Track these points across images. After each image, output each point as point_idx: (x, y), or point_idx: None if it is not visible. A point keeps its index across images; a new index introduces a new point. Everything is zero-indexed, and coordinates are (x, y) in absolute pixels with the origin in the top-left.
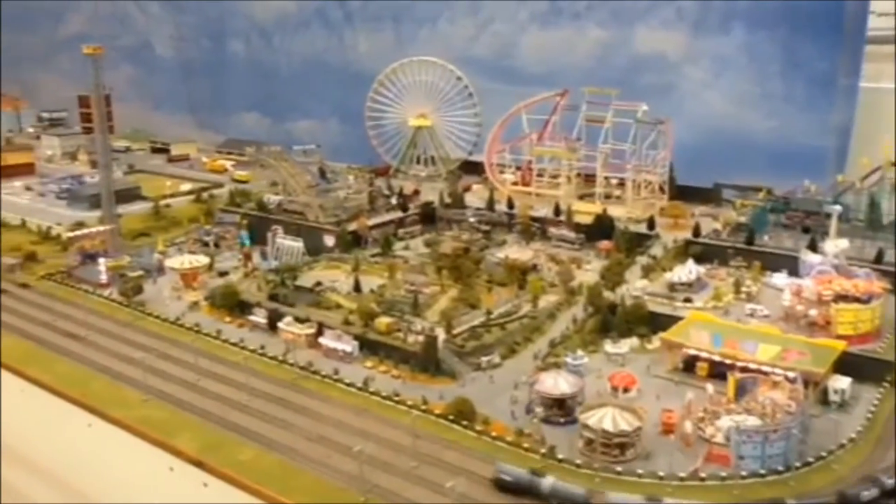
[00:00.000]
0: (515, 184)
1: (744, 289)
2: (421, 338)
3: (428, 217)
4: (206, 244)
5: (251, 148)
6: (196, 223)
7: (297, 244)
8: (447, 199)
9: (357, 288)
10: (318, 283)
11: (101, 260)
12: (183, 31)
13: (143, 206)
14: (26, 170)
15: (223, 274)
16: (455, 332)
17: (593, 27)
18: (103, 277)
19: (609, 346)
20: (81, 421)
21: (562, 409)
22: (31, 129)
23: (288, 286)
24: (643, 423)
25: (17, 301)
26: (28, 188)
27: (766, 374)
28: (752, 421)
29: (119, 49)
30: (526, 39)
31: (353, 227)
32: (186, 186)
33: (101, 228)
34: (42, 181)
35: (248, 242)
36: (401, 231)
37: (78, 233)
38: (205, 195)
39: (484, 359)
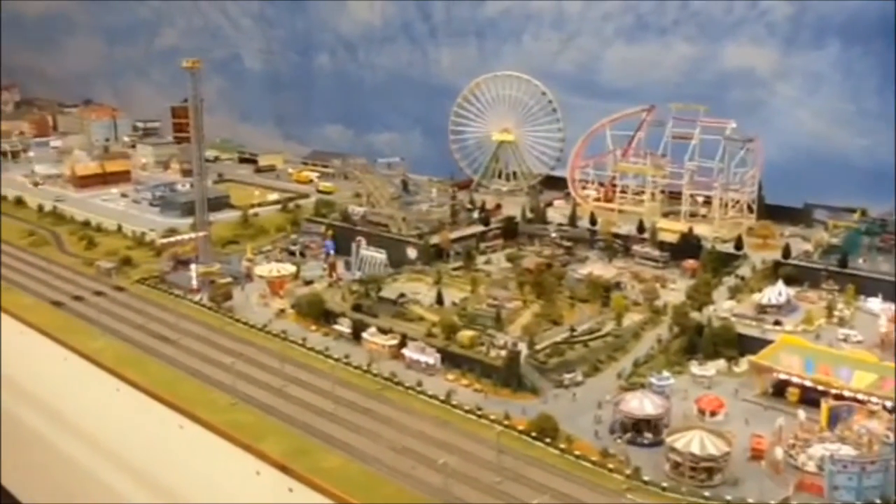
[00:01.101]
0: (598, 200)
1: (836, 313)
2: (503, 352)
3: (509, 231)
4: (292, 253)
5: (337, 160)
6: (283, 232)
7: (381, 255)
8: (529, 214)
9: (440, 301)
10: (402, 295)
11: (193, 266)
12: (272, 45)
13: (232, 215)
14: (123, 177)
15: (308, 283)
16: (538, 347)
17: (680, 42)
18: (194, 283)
19: (695, 368)
20: (173, 422)
21: (647, 430)
22: (126, 138)
23: (372, 297)
24: (732, 448)
25: (112, 303)
26: (124, 195)
27: (861, 402)
28: (848, 450)
29: (210, 62)
30: (611, 54)
31: (435, 240)
32: (273, 196)
33: (194, 235)
34: (137, 188)
35: (332, 252)
36: (482, 245)
37: (171, 239)
38: (291, 205)
39: (567, 376)
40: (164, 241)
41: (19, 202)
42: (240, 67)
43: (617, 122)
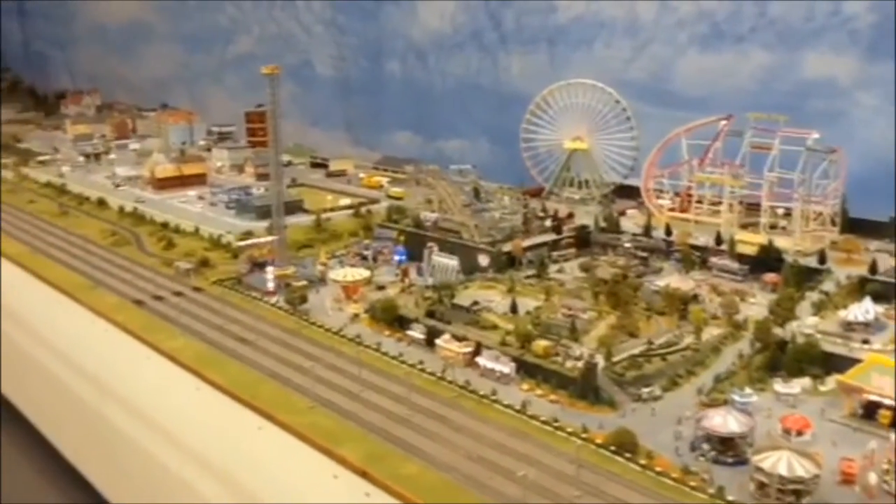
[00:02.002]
0: (673, 210)
1: None
2: (579, 363)
3: (582, 241)
4: (364, 258)
5: (410, 166)
6: (355, 237)
7: (453, 262)
8: (602, 224)
9: (514, 309)
10: (476, 303)
11: (269, 269)
12: (343, 52)
13: (306, 219)
14: (199, 180)
15: (381, 288)
16: (615, 360)
17: (757, 50)
18: (270, 285)
19: (779, 386)
20: (252, 423)
21: (730, 448)
22: (202, 142)
23: (445, 304)
24: (821, 471)
25: (191, 304)
26: (200, 197)
27: None
28: None
29: (282, 68)
30: (684, 63)
31: (507, 247)
32: (345, 201)
33: (270, 238)
34: (213, 191)
35: (404, 258)
36: (554, 254)
37: (248, 242)
38: (362, 210)
39: (645, 390)
40: (242, 243)
41: (101, 203)
42: (311, 73)
43: (693, 131)
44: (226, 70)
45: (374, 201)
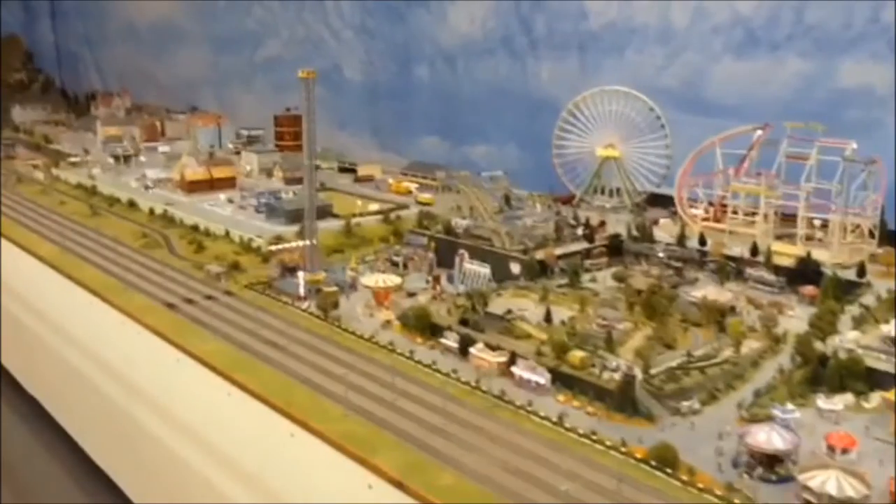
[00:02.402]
0: (707, 220)
1: None
2: (616, 375)
3: (615, 249)
4: (395, 264)
5: (441, 172)
6: (385, 243)
7: (484, 270)
8: (635, 232)
9: (548, 318)
10: (509, 311)
11: (300, 273)
12: (372, 56)
13: (335, 224)
14: (229, 183)
15: (412, 294)
16: (652, 372)
17: (793, 58)
18: (301, 290)
19: (821, 402)
20: (284, 429)
21: (774, 465)
22: (230, 145)
23: (478, 312)
24: (870, 491)
25: (223, 307)
26: (230, 201)
27: None
28: None
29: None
30: (718, 70)
31: (539, 255)
32: (374, 206)
33: (302, 243)
34: (243, 195)
35: (434, 264)
36: (587, 262)
37: (280, 246)
38: (392, 216)
39: (684, 403)
40: (273, 248)
41: (132, 205)
42: (339, 78)
43: (728, 139)
44: (254, 73)
45: (404, 207)
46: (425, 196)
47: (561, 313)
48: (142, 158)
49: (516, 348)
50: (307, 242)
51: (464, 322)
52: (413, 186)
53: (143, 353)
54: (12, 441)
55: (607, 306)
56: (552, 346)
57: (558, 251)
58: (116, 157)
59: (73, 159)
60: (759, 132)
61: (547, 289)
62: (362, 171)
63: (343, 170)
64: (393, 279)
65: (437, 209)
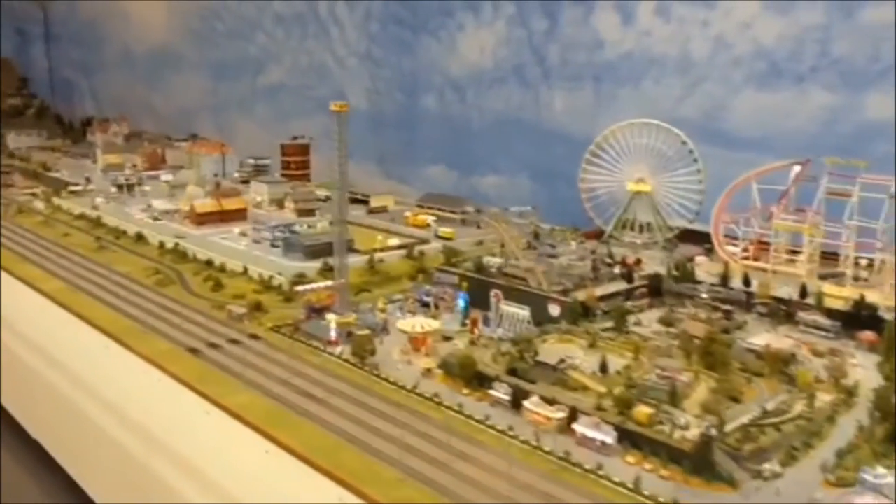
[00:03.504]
0: (745, 258)
1: None
2: (688, 433)
3: (654, 290)
4: (425, 304)
5: (469, 206)
6: (412, 280)
7: (523, 312)
8: (674, 272)
9: (603, 369)
10: (562, 360)
11: (331, 317)
12: (377, 84)
13: (356, 260)
14: (239, 215)
15: (448, 338)
16: (726, 429)
17: (818, 91)
18: (333, 334)
19: None
20: (332, 493)
21: None
22: (235, 174)
23: (527, 360)
24: None
25: (250, 353)
26: (243, 234)
27: None
28: None
29: (314, 99)
30: (740, 102)
31: (581, 296)
32: (394, 241)
33: (331, 283)
34: (256, 227)
35: (466, 305)
36: (628, 303)
37: (309, 287)
38: (414, 251)
39: (765, 466)
40: (300, 288)
41: (140, 237)
42: None
43: (763, 174)
44: (255, 100)
45: (424, 241)
46: (446, 230)
47: (612, 361)
48: (146, 188)
49: (574, 402)
50: (337, 282)
51: (512, 371)
52: (430, 219)
53: (166, 403)
54: (16, 493)
55: (662, 354)
56: (615, 400)
57: (598, 292)
58: (119, 186)
59: (73, 188)
60: (798, 168)
61: (594, 334)
62: (375, 202)
63: (354, 200)
64: (431, 323)
65: (458, 244)
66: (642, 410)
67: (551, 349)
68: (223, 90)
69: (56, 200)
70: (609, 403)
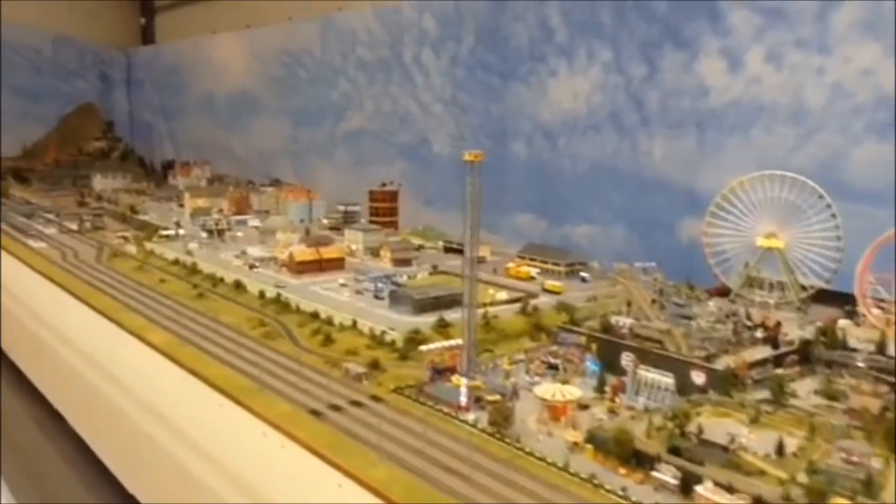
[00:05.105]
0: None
1: None
2: None
3: (804, 357)
4: (552, 367)
5: (593, 263)
6: (530, 339)
7: (667, 380)
8: (821, 336)
9: (780, 450)
10: (732, 440)
11: (461, 380)
12: (463, 130)
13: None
14: (337, 264)
15: (584, 407)
16: None
17: None
18: (463, 400)
19: None
20: None
21: None
22: (324, 221)
23: (688, 437)
24: None
25: (374, 416)
26: (343, 284)
27: None
28: None
29: (396, 145)
30: (859, 152)
31: (725, 363)
32: (502, 294)
33: (458, 342)
34: (357, 278)
35: (596, 370)
36: (777, 371)
37: (433, 346)
38: (527, 306)
39: None
40: (426, 347)
41: (238, 286)
42: (427, 152)
43: None
44: (335, 146)
45: (533, 295)
46: (553, 283)
47: (770, 437)
48: (238, 233)
49: (753, 489)
50: (465, 341)
51: (674, 450)
52: (534, 271)
53: (292, 473)
54: None
55: (838, 433)
56: (808, 491)
57: (747, 358)
58: (210, 232)
59: (164, 232)
60: None
61: (755, 408)
62: None
63: (448, 249)
64: (572, 391)
65: (568, 298)
66: (839, 503)
67: (711, 424)
68: (303, 135)
69: (148, 245)
70: (799, 492)
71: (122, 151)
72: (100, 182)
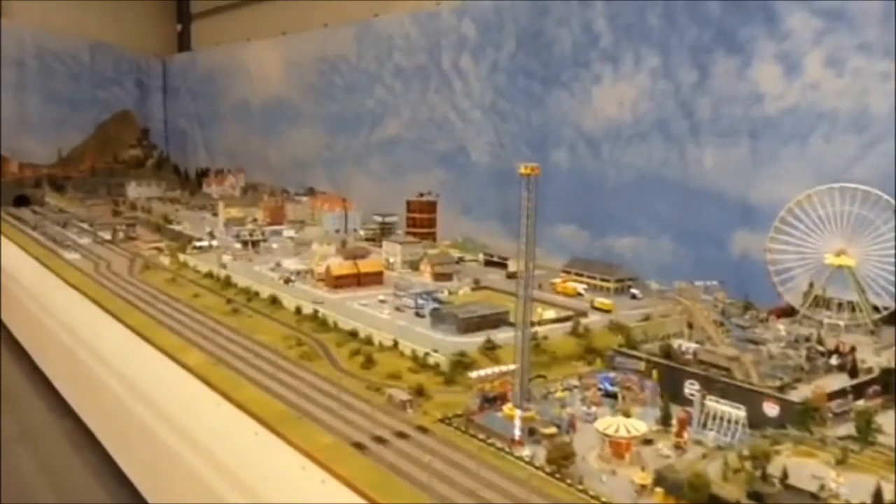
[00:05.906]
0: None
1: None
2: None
3: (884, 386)
4: (609, 395)
5: (654, 284)
6: (583, 362)
7: (739, 412)
8: None
9: (878, 499)
10: (822, 487)
11: (514, 411)
12: (502, 139)
13: (512, 335)
14: (375, 279)
15: (648, 441)
16: None
17: None
18: (518, 433)
19: None
20: None
21: None
22: (360, 232)
23: (771, 482)
24: None
25: (421, 450)
26: (382, 300)
27: None
28: None
29: (433, 153)
30: None
31: (801, 394)
32: (549, 313)
33: (510, 367)
34: (397, 293)
35: (658, 397)
36: (859, 404)
37: (483, 373)
38: (576, 325)
39: None
40: (476, 374)
41: (274, 301)
42: (465, 160)
43: None
44: (371, 154)
45: (582, 314)
46: (603, 301)
47: (869, 483)
48: (273, 245)
49: None
50: (518, 367)
51: (755, 496)
52: (580, 287)
53: None
54: None
55: None
56: None
57: (826, 388)
58: (244, 243)
59: (198, 243)
60: None
61: (841, 447)
62: (514, 265)
63: (489, 262)
64: (637, 425)
65: (619, 317)
66: None
67: (792, 465)
68: (339, 143)
69: (181, 257)
70: None
71: (158, 159)
72: (134, 190)
